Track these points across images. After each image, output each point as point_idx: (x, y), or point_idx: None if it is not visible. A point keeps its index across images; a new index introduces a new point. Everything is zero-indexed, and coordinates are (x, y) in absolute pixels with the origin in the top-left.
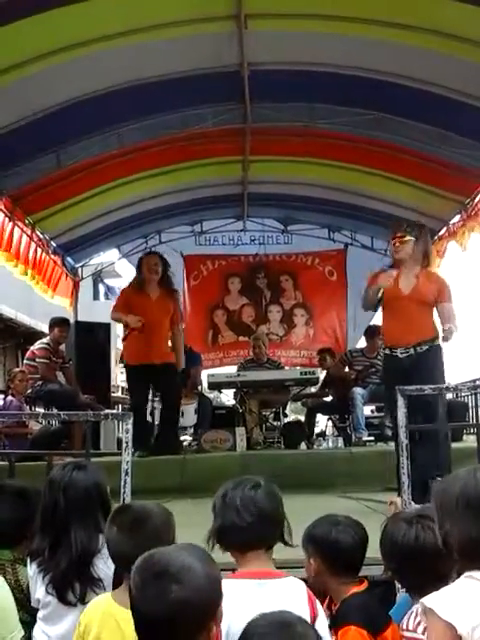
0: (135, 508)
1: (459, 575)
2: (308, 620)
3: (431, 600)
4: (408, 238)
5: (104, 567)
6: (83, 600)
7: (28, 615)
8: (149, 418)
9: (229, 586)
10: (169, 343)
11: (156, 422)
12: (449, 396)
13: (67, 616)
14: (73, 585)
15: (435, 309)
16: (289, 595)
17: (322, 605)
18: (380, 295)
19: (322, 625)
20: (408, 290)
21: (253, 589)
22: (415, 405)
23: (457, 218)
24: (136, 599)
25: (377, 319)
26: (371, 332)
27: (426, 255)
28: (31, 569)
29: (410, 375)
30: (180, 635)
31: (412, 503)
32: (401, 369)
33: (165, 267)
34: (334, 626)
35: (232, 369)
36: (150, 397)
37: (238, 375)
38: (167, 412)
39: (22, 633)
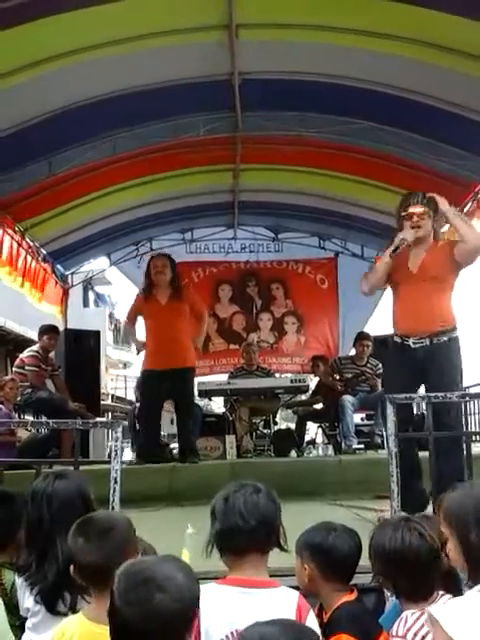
0: (100, 518)
1: (471, 587)
2: None
3: (438, 611)
4: (428, 211)
5: None
6: (74, 609)
7: (16, 618)
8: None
9: (215, 591)
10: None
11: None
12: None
13: (56, 626)
14: (63, 595)
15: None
16: (276, 605)
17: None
18: (384, 280)
19: None
20: (415, 268)
21: (239, 597)
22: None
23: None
24: (119, 604)
25: (369, 326)
26: (359, 338)
27: (436, 232)
28: (19, 581)
29: (424, 369)
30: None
31: (399, 512)
32: (412, 361)
33: (174, 267)
34: (326, 635)
35: (223, 377)
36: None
37: (228, 383)
38: (184, 417)
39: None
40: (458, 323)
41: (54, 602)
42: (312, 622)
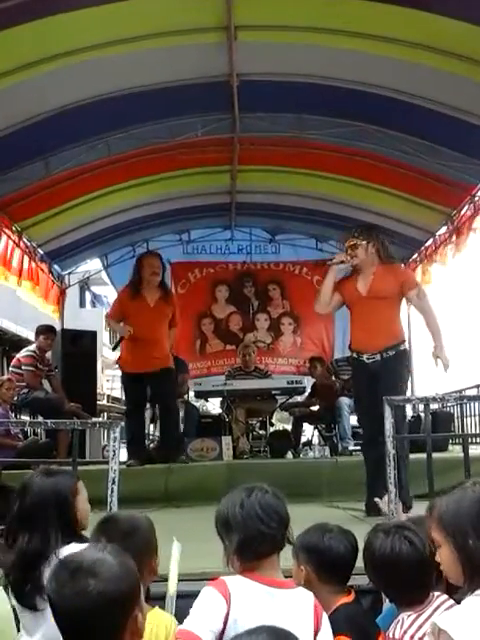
0: (123, 519)
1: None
2: (311, 632)
3: (444, 621)
4: (358, 242)
5: None
6: (34, 606)
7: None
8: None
9: (246, 585)
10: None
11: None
12: (434, 406)
13: (41, 624)
14: (25, 587)
15: (411, 305)
16: (296, 606)
17: None
18: (340, 301)
19: (325, 638)
20: (365, 290)
21: (264, 596)
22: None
23: (444, 229)
24: (55, 600)
25: None
26: None
27: (380, 253)
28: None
29: (377, 381)
30: (106, 627)
31: (399, 511)
32: (367, 374)
33: (164, 269)
34: None
35: (219, 378)
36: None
37: (225, 384)
38: (166, 416)
39: None
40: (405, 336)
41: (21, 596)
42: (326, 622)
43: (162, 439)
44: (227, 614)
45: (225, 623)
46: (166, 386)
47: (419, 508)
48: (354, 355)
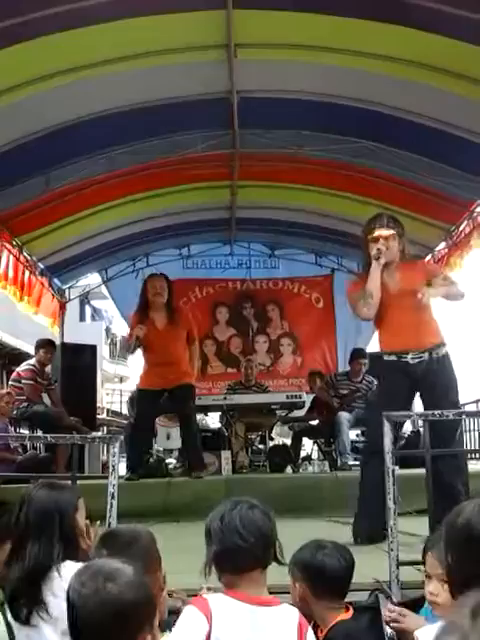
0: (123, 531)
1: None
2: None
3: (423, 635)
4: (393, 233)
5: (59, 591)
6: (28, 621)
7: None
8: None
9: (227, 603)
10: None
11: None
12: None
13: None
14: (21, 601)
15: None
16: (278, 624)
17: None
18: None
19: None
20: (396, 288)
21: (246, 614)
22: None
23: (442, 245)
24: (75, 601)
25: (371, 342)
26: (355, 356)
27: (404, 247)
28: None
29: (424, 384)
30: (119, 635)
31: (396, 530)
32: (409, 376)
33: (171, 288)
34: None
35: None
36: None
37: (224, 398)
38: (185, 431)
39: None
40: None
41: (17, 608)
42: (311, 639)
43: (185, 455)
44: (208, 633)
45: None
46: (183, 401)
47: (419, 523)
48: (391, 357)
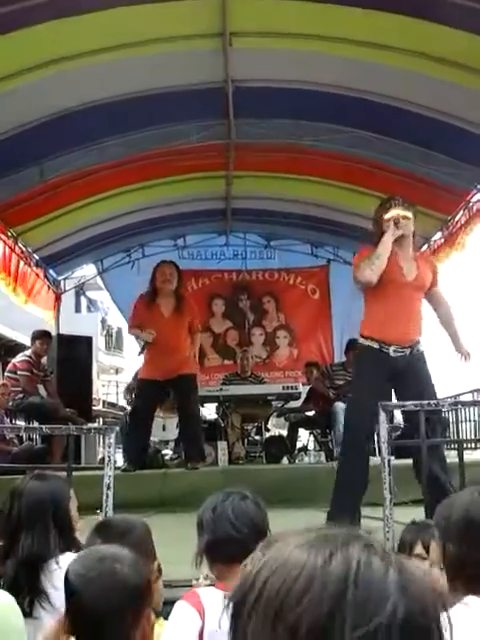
0: (117, 521)
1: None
2: None
3: None
4: (410, 214)
5: (60, 583)
6: (30, 613)
7: None
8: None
9: (219, 597)
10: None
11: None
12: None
13: (37, 632)
14: (21, 594)
15: (425, 297)
16: None
17: None
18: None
19: None
20: (411, 276)
21: None
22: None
23: (439, 235)
24: (78, 586)
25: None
26: (351, 346)
27: (414, 236)
28: None
29: (403, 379)
30: (124, 616)
31: (391, 519)
32: (389, 368)
33: (180, 276)
34: None
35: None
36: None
37: (220, 389)
38: (185, 421)
39: None
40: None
41: (18, 604)
42: None
43: (183, 445)
44: (202, 628)
45: (200, 637)
46: (184, 391)
47: (417, 513)
48: (374, 345)
